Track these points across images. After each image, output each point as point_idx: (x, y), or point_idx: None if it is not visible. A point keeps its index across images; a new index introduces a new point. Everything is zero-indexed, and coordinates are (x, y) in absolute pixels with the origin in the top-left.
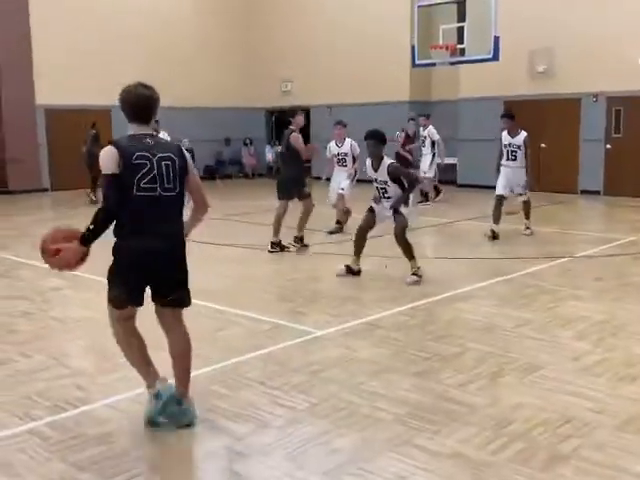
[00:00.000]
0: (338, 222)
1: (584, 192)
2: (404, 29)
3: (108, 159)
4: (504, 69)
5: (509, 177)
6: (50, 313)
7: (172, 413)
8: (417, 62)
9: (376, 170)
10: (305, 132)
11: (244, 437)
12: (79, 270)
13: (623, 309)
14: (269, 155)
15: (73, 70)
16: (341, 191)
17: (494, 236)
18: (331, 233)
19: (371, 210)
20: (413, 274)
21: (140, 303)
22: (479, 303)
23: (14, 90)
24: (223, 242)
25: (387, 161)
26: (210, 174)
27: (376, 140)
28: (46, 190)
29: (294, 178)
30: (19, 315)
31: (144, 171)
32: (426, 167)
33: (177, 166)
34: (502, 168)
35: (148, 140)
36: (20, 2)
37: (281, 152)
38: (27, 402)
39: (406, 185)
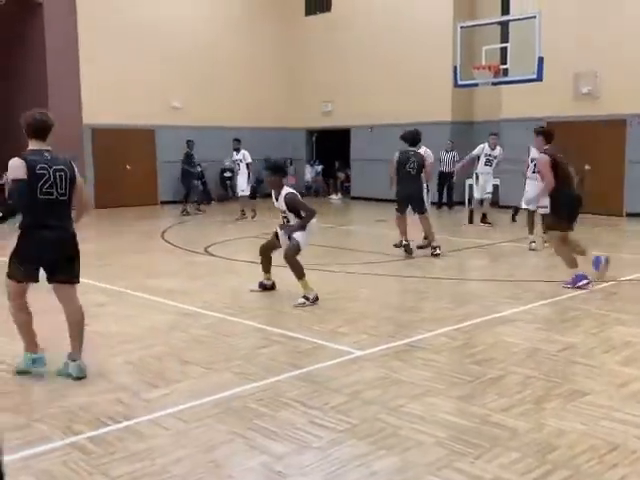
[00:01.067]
0: (425, 238)
1: (630, 215)
2: (446, 50)
3: (17, 168)
4: (547, 90)
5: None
6: (94, 327)
7: (71, 369)
8: (459, 82)
9: (276, 199)
10: (344, 152)
11: (283, 457)
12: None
13: None
14: (308, 175)
15: (119, 91)
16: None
17: (531, 248)
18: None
19: (276, 234)
20: (303, 297)
21: (34, 279)
22: (522, 327)
23: (62, 109)
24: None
25: (284, 191)
26: (251, 193)
27: (271, 171)
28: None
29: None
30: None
31: (44, 179)
32: (490, 187)
33: (68, 176)
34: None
35: (46, 154)
36: (69, 26)
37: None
38: (69, 416)
39: (303, 215)
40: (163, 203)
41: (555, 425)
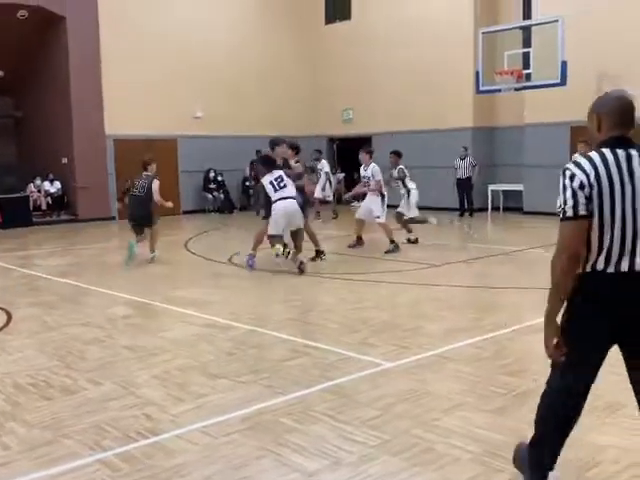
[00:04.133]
0: (392, 241)
1: None
2: (468, 55)
3: None
4: (571, 94)
5: None
6: (120, 341)
7: None
8: (481, 88)
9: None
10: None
11: (315, 473)
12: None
13: None
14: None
15: (141, 102)
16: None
17: None
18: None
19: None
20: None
21: None
22: None
23: (85, 121)
24: (285, 270)
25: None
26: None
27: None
28: (113, 218)
29: None
30: (90, 342)
31: None
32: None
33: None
34: None
35: None
36: (92, 38)
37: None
38: (97, 431)
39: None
40: (185, 213)
41: (594, 440)
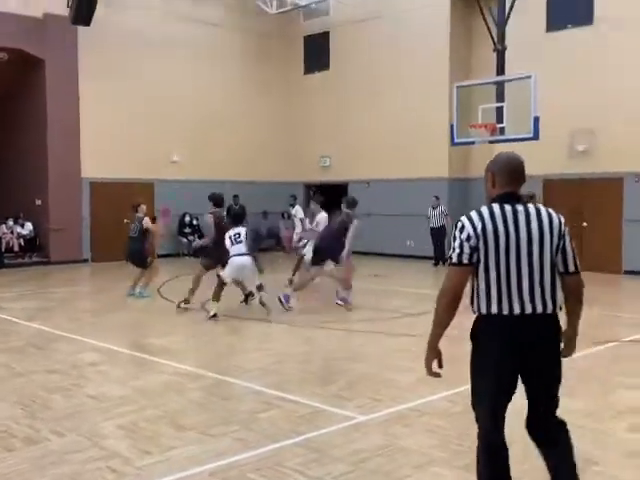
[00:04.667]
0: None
1: (628, 272)
2: (443, 108)
3: None
4: (543, 148)
5: None
6: (87, 390)
7: None
8: (456, 140)
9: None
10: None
11: None
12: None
13: None
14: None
15: (118, 145)
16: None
17: None
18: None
19: None
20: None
21: None
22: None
23: (61, 163)
24: (260, 318)
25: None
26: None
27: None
28: (86, 261)
29: None
30: (55, 390)
31: None
32: None
33: None
34: None
35: None
36: (71, 82)
37: None
38: None
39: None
40: (160, 256)
41: None
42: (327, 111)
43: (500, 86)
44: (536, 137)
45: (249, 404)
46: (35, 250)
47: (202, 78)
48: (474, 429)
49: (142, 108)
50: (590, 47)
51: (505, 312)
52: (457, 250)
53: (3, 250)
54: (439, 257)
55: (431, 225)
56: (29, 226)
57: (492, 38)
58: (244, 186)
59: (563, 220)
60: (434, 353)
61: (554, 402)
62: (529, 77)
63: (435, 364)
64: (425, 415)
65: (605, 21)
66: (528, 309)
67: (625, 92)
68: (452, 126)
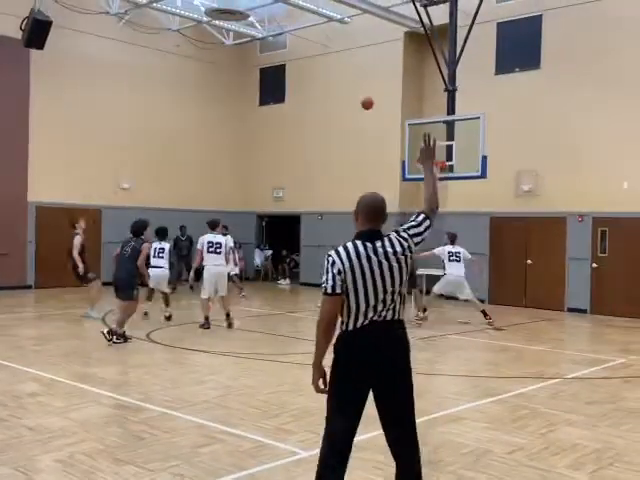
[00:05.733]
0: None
1: (571, 310)
2: (395, 143)
3: None
4: (491, 186)
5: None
6: (24, 421)
7: None
8: (407, 176)
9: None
10: (294, 237)
11: None
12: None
13: (619, 437)
14: (258, 259)
15: (66, 170)
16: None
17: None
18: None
19: None
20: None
21: None
22: (470, 425)
23: (6, 185)
24: (205, 349)
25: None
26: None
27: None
28: (29, 287)
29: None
30: None
31: None
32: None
33: None
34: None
35: None
36: (21, 102)
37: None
38: None
39: None
40: (106, 284)
41: None
42: (281, 143)
43: (450, 125)
44: (484, 175)
45: (191, 438)
46: None
47: (156, 106)
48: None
49: (93, 134)
50: (536, 90)
51: (357, 326)
52: (330, 282)
53: None
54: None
55: None
56: None
57: (443, 78)
58: (195, 215)
59: (406, 244)
60: (319, 372)
61: (408, 414)
62: (478, 117)
63: (320, 382)
64: (367, 450)
65: (552, 64)
66: (378, 318)
67: (569, 134)
68: (404, 162)
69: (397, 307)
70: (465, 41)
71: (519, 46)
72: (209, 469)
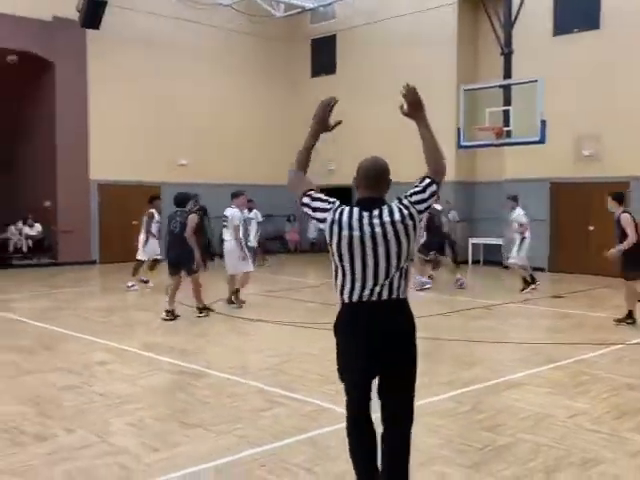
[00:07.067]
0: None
1: None
2: (450, 111)
3: None
4: (550, 151)
5: None
6: (95, 388)
7: None
8: (462, 144)
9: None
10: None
11: None
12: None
13: None
14: (313, 232)
15: (126, 148)
16: None
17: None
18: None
19: None
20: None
21: None
22: (531, 391)
23: (70, 165)
24: (265, 319)
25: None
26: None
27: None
28: (94, 262)
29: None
30: (64, 388)
31: None
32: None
33: None
34: None
35: None
36: (80, 85)
37: None
38: None
39: None
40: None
41: None
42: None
43: (507, 90)
44: (542, 141)
45: (253, 403)
46: (43, 251)
47: (209, 81)
48: (478, 429)
49: (149, 111)
50: (597, 51)
51: (354, 300)
52: (317, 201)
53: (11, 251)
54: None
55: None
56: (38, 227)
57: (499, 41)
58: (248, 189)
59: (407, 212)
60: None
61: (406, 397)
62: (535, 81)
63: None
64: (427, 415)
65: (612, 25)
66: (371, 296)
67: (632, 96)
68: (459, 129)
69: (395, 284)
70: (521, 2)
71: (577, 6)
72: (271, 431)
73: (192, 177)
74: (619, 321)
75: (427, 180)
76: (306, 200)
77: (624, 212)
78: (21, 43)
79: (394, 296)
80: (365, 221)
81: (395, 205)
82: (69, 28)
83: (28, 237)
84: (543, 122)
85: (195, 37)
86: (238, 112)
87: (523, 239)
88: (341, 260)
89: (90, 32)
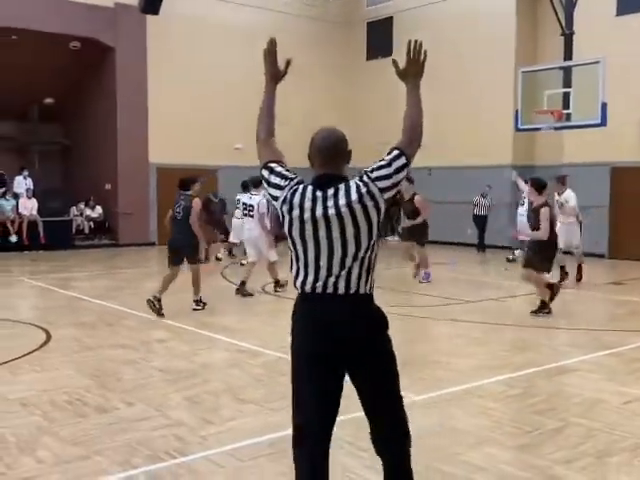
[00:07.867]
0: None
1: None
2: (508, 94)
3: None
4: (611, 135)
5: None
6: (153, 363)
7: None
8: (520, 127)
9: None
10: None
11: None
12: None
13: None
14: None
15: (184, 132)
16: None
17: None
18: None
19: None
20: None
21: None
22: (583, 376)
23: (129, 149)
24: None
25: None
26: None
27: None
28: (153, 244)
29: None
30: (124, 363)
31: None
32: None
33: None
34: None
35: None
36: (139, 70)
37: None
38: (128, 450)
39: None
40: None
41: None
42: (388, 97)
43: (567, 71)
44: (604, 124)
45: None
46: (104, 232)
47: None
48: (530, 413)
49: (206, 95)
50: None
51: (307, 290)
52: (276, 176)
53: (74, 232)
54: (482, 244)
55: (476, 212)
56: (99, 209)
57: (559, 22)
58: (302, 172)
59: (365, 189)
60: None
61: (392, 399)
62: (597, 62)
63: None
64: (480, 397)
65: None
66: (325, 289)
67: None
68: (517, 112)
69: (353, 277)
70: None
71: None
72: None
73: (247, 161)
74: None
75: (395, 152)
76: (265, 173)
77: None
78: (83, 30)
79: (352, 291)
80: (319, 202)
81: (353, 182)
82: (130, 14)
83: (90, 219)
84: (604, 105)
85: (250, 20)
86: (293, 95)
87: (580, 223)
88: (294, 244)
89: (149, 17)
